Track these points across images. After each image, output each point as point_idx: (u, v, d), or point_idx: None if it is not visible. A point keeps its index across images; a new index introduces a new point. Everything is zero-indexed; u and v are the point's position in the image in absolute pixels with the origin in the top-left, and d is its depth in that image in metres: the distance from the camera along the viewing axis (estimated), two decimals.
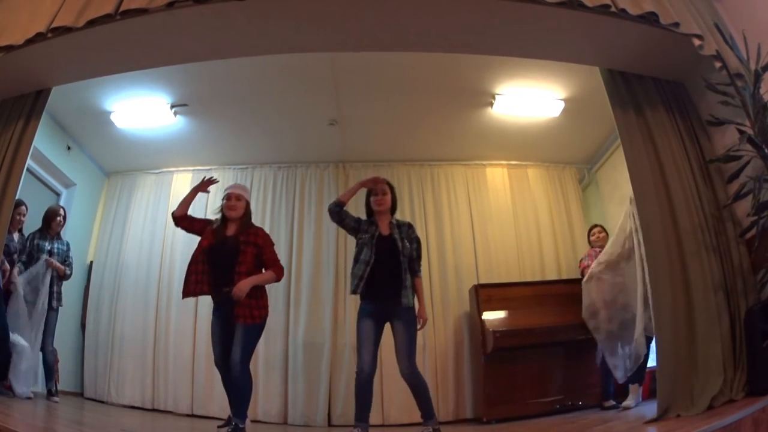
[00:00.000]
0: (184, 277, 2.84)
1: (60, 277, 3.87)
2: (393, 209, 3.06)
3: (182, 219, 3.00)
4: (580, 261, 4.20)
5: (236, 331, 2.75)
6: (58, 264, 3.82)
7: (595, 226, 4.29)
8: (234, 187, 3.07)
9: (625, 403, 3.48)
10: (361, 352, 2.73)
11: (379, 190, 3.01)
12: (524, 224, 5.00)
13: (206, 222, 3.06)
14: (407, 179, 5.08)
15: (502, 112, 4.37)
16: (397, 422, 4.21)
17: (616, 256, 3.67)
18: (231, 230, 2.93)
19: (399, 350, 2.72)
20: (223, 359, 2.79)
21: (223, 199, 3.01)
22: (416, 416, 4.18)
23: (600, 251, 3.92)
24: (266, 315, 2.88)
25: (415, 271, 2.92)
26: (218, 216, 3.02)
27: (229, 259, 2.81)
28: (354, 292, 2.83)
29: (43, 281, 3.69)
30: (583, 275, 3.97)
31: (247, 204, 3.03)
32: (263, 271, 2.91)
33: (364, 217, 3.06)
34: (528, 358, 3.95)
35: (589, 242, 4.25)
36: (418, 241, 2.98)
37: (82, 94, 3.94)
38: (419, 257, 2.96)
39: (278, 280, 2.95)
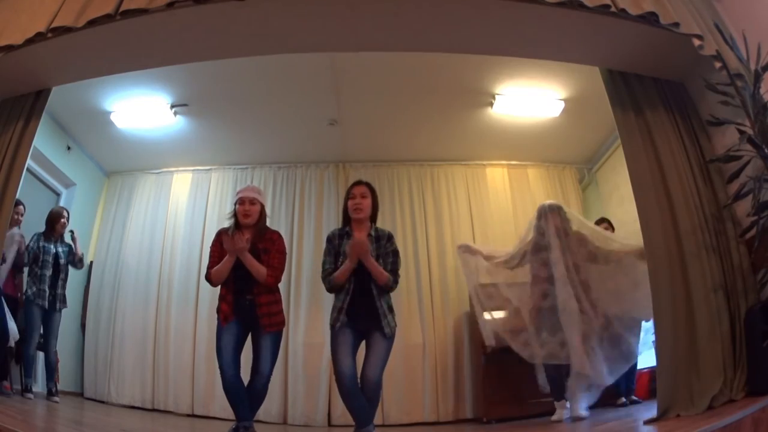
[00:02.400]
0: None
1: (76, 262, 3.96)
2: (373, 216, 2.74)
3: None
4: None
5: (261, 341, 2.69)
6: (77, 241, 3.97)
7: (602, 221, 4.15)
8: (247, 191, 2.84)
9: (552, 418, 3.32)
10: (338, 357, 2.51)
11: (357, 193, 2.69)
12: (524, 224, 4.97)
13: (218, 247, 2.77)
14: (407, 179, 5.09)
15: (502, 112, 4.37)
16: (397, 422, 4.21)
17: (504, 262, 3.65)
18: (247, 236, 2.77)
19: (370, 358, 2.53)
20: (234, 360, 2.64)
21: (235, 204, 2.81)
22: (416, 416, 4.25)
23: None
24: (284, 322, 2.84)
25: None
26: (230, 221, 2.83)
27: (248, 271, 2.69)
28: (333, 325, 2.58)
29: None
30: None
31: (262, 207, 2.84)
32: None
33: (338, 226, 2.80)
34: None
35: None
36: (395, 253, 2.66)
37: (82, 94, 3.94)
38: (395, 270, 2.63)
39: (265, 283, 2.70)
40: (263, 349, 2.69)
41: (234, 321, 2.69)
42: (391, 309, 2.64)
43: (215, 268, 2.72)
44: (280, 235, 2.88)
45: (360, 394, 2.49)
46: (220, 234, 2.81)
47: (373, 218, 2.75)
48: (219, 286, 2.77)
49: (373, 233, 2.68)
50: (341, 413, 4.18)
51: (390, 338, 2.60)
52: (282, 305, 2.86)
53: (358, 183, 2.77)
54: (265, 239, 2.80)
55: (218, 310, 2.74)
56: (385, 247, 2.66)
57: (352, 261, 2.55)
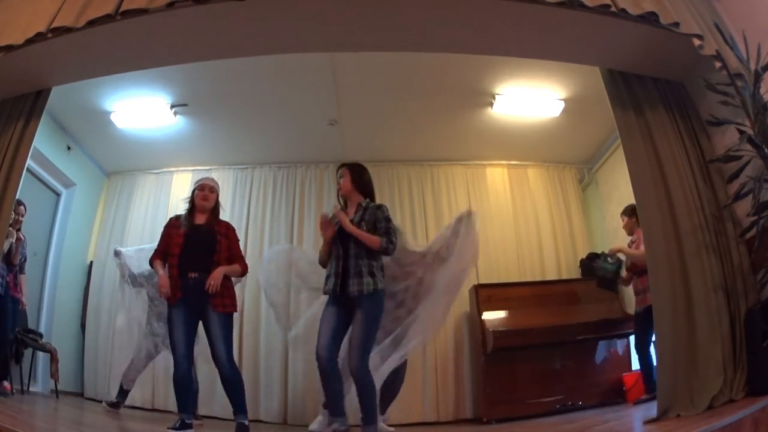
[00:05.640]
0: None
1: None
2: (365, 192, 2.88)
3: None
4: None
5: (212, 324, 2.73)
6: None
7: (622, 212, 3.90)
8: (207, 179, 3.12)
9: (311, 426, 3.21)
10: (318, 338, 2.60)
11: (339, 177, 2.91)
12: (524, 224, 5.00)
13: (167, 232, 2.95)
14: (407, 179, 5.09)
15: (502, 112, 4.37)
16: (397, 422, 4.20)
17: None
18: (201, 219, 2.95)
19: (351, 343, 2.58)
20: (188, 353, 2.73)
21: (194, 190, 3.03)
22: (416, 416, 4.25)
23: (632, 240, 3.71)
24: (236, 307, 2.90)
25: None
26: (186, 205, 3.03)
27: (202, 247, 2.83)
28: (328, 291, 2.71)
29: None
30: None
31: (218, 197, 3.06)
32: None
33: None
34: (528, 358, 3.95)
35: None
36: (387, 219, 2.77)
37: (82, 94, 3.94)
38: (388, 233, 2.71)
39: (243, 274, 3.00)
40: (214, 335, 2.73)
41: (182, 305, 2.74)
42: (372, 273, 2.66)
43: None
44: (232, 225, 3.10)
45: (336, 379, 2.55)
46: (171, 222, 2.98)
47: (365, 192, 2.88)
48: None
49: (363, 204, 2.83)
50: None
51: (368, 303, 2.59)
52: (234, 292, 2.93)
53: (339, 167, 2.97)
54: (221, 224, 3.00)
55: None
56: (375, 214, 2.78)
57: (323, 237, 2.77)
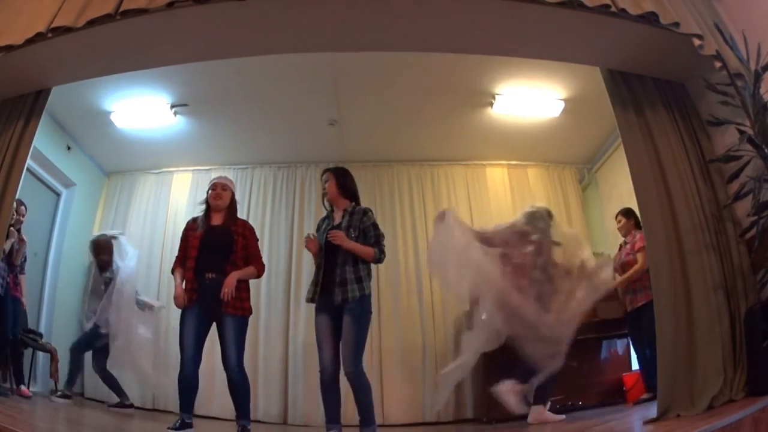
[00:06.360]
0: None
1: None
2: (350, 195, 2.91)
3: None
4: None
5: (225, 327, 2.71)
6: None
7: (618, 213, 3.89)
8: (219, 178, 3.08)
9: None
10: (319, 353, 2.67)
11: (324, 181, 2.93)
12: None
13: (185, 235, 2.97)
14: (407, 179, 5.09)
15: (502, 112, 4.37)
16: (397, 422, 4.21)
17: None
18: (217, 220, 2.92)
19: (342, 347, 2.62)
20: (196, 356, 2.70)
21: (208, 190, 3.00)
22: (416, 416, 4.25)
23: (626, 240, 3.73)
24: (250, 310, 2.87)
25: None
26: (202, 207, 3.00)
27: (219, 247, 2.81)
28: (309, 299, 2.77)
29: None
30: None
31: (233, 195, 3.02)
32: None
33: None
34: None
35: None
36: (374, 226, 2.79)
37: (82, 94, 3.94)
38: (378, 242, 2.77)
39: (259, 276, 2.96)
40: (228, 340, 2.71)
41: (197, 306, 2.73)
42: (359, 279, 2.68)
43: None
44: (249, 223, 3.08)
45: (333, 392, 2.60)
46: (189, 226, 2.96)
47: (350, 196, 2.89)
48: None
49: (349, 209, 2.84)
50: (342, 413, 4.18)
51: (356, 309, 2.63)
52: (249, 294, 2.90)
53: (323, 172, 2.98)
54: (237, 224, 2.95)
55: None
56: (363, 221, 2.78)
57: (310, 252, 2.83)
